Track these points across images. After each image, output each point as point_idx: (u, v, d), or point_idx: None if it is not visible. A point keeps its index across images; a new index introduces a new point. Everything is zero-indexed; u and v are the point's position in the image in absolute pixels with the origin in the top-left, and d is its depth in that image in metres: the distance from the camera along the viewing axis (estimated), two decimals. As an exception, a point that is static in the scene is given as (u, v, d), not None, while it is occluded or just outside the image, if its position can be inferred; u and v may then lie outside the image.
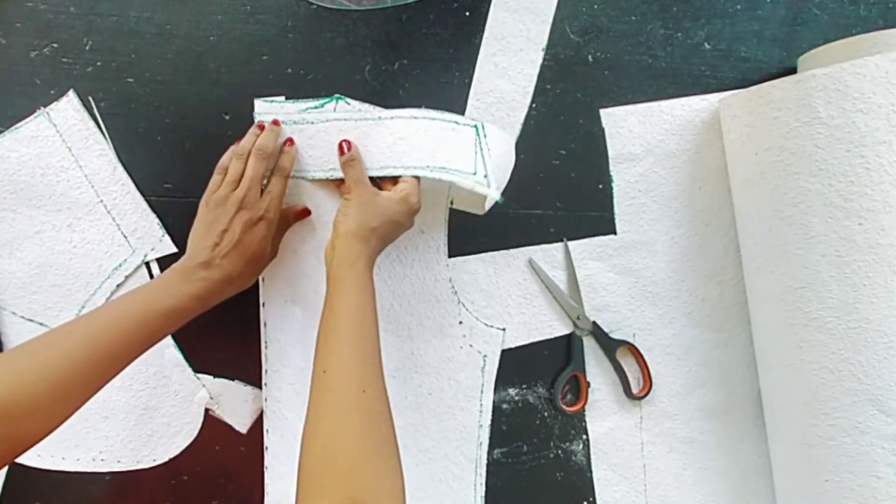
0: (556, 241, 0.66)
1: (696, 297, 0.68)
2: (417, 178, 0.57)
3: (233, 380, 0.61)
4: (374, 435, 0.44)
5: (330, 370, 0.46)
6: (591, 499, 0.67)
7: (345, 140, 0.56)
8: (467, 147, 0.57)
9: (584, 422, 0.67)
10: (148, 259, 0.60)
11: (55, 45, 0.58)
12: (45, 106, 0.58)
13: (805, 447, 0.58)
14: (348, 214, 0.53)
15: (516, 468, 0.66)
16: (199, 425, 0.61)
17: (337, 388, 0.46)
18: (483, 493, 0.65)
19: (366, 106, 0.62)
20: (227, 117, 0.60)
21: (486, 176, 0.56)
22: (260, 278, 0.59)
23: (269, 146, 0.54)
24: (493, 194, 0.55)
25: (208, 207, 0.53)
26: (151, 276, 0.60)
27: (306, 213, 0.59)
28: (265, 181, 0.54)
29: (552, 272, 0.66)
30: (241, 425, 0.62)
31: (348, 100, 0.61)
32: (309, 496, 0.41)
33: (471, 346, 0.64)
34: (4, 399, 0.40)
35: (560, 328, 0.66)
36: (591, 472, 0.67)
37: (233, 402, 0.62)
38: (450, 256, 0.64)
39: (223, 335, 0.61)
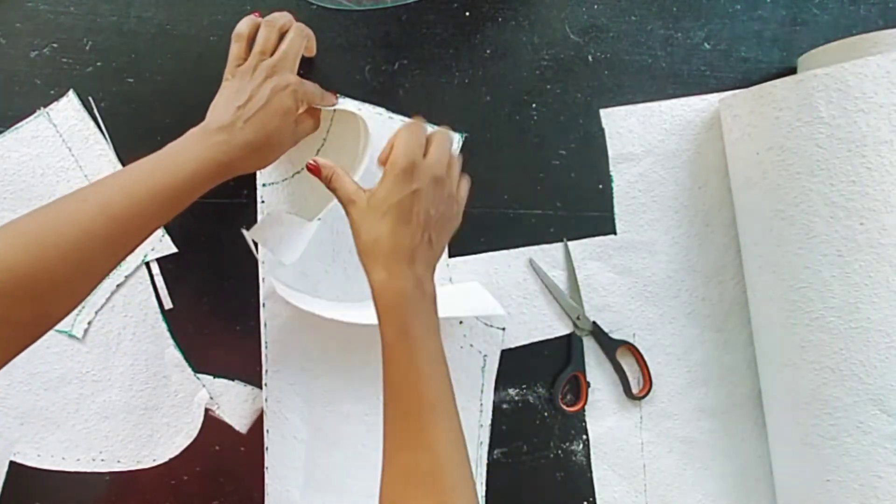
0: (556, 241, 0.66)
1: (696, 297, 0.68)
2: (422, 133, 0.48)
3: (233, 380, 0.61)
4: None
5: (388, 440, 0.42)
6: (591, 499, 0.67)
7: (311, 162, 0.49)
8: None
9: (584, 422, 0.67)
10: (148, 259, 0.60)
11: (55, 45, 0.58)
12: (45, 106, 0.58)
13: (806, 447, 0.58)
14: (366, 234, 0.45)
15: (516, 468, 0.66)
16: (199, 425, 0.61)
17: (393, 460, 0.41)
18: (483, 493, 0.65)
19: (366, 106, 0.62)
20: (227, 117, 0.60)
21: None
22: (260, 278, 0.59)
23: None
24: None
25: (234, 78, 0.50)
26: (151, 277, 0.60)
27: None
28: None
29: (552, 272, 0.66)
30: (241, 425, 0.62)
31: (348, 100, 0.61)
32: None
33: (471, 345, 0.64)
34: (24, 278, 0.38)
35: (560, 328, 0.66)
36: (591, 472, 0.67)
37: (233, 402, 0.62)
38: (450, 256, 0.64)
39: (223, 335, 0.61)
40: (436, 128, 0.53)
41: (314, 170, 0.49)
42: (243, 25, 0.53)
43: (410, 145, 0.45)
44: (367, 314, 0.55)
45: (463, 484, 0.41)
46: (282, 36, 0.53)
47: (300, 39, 0.53)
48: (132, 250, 0.44)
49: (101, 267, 0.42)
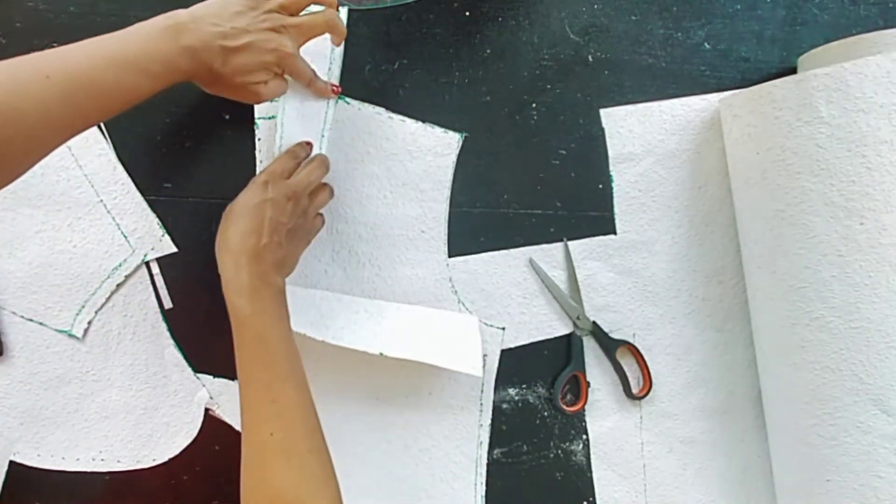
0: (556, 241, 0.66)
1: (696, 297, 0.68)
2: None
3: (233, 380, 0.61)
4: (293, 476, 0.43)
5: (242, 418, 0.45)
6: (591, 499, 0.67)
7: None
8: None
9: (584, 422, 0.67)
10: (148, 259, 0.60)
11: (55, 45, 0.58)
12: (45, 106, 0.58)
13: (806, 447, 0.58)
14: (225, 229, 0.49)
15: (516, 468, 0.66)
16: (199, 425, 0.61)
17: (248, 434, 0.45)
18: (483, 493, 0.65)
19: (366, 106, 0.62)
20: (227, 117, 0.60)
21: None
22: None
23: None
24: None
25: (248, 4, 0.47)
26: (151, 277, 0.60)
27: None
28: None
29: (552, 272, 0.66)
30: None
31: (348, 100, 0.61)
32: None
33: (471, 345, 0.64)
34: None
35: (560, 328, 0.66)
36: (591, 472, 0.67)
37: (233, 402, 0.62)
38: (450, 256, 0.64)
39: (223, 335, 0.61)
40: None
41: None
42: None
43: (279, 162, 0.52)
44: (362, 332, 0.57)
45: (317, 449, 0.44)
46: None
47: (323, 22, 0.51)
48: (88, 128, 0.44)
49: (52, 145, 0.42)
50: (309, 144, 0.56)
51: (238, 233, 0.48)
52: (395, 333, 0.60)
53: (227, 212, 0.50)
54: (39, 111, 0.39)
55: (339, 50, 0.60)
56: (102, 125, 0.59)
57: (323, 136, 0.59)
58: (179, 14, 0.44)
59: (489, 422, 0.65)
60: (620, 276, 0.67)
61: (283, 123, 0.56)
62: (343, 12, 0.58)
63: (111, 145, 0.59)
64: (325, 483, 0.44)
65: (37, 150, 0.41)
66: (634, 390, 0.67)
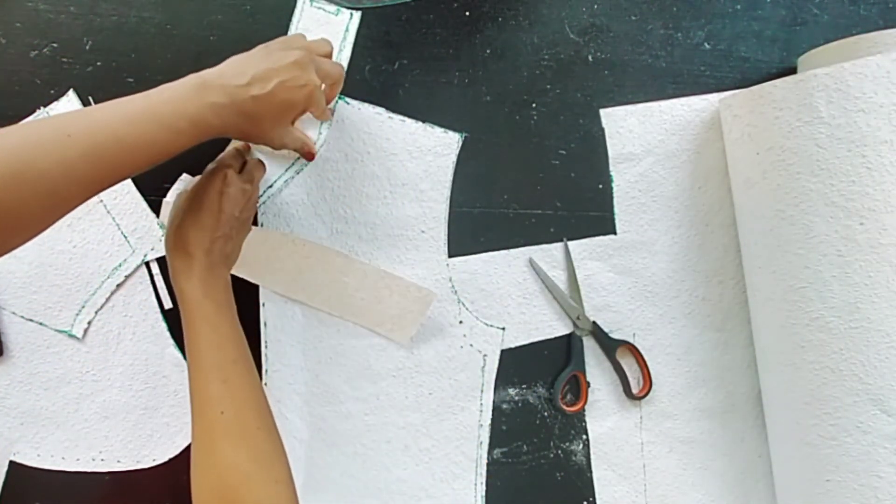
0: (556, 241, 0.66)
1: (696, 297, 0.68)
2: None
3: (233, 380, 0.61)
4: (242, 455, 0.43)
5: (193, 400, 0.46)
6: (591, 499, 0.67)
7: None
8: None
9: (584, 422, 0.67)
10: (148, 259, 0.60)
11: (55, 45, 0.58)
12: (45, 106, 0.58)
13: (806, 447, 0.58)
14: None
15: (516, 468, 0.66)
16: (199, 425, 0.61)
17: (198, 415, 0.45)
18: (483, 493, 0.65)
19: (366, 106, 0.62)
20: (227, 117, 0.60)
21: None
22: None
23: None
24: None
25: (266, 47, 0.48)
26: (151, 277, 0.60)
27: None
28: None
29: (552, 272, 0.66)
30: (241, 425, 0.62)
31: (348, 100, 0.61)
32: None
33: (471, 345, 0.64)
34: None
35: (560, 328, 0.66)
36: (591, 472, 0.67)
37: (233, 402, 0.62)
38: (450, 256, 0.64)
39: (223, 335, 0.61)
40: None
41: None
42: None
43: (230, 153, 0.53)
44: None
45: (266, 427, 0.45)
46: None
47: (338, 73, 0.53)
48: (109, 187, 0.43)
49: (75, 203, 0.41)
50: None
51: (193, 225, 0.48)
52: (342, 289, 0.61)
53: (180, 200, 0.50)
54: (61, 170, 0.39)
55: (346, 53, 0.60)
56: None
57: (321, 133, 0.59)
58: (207, 73, 0.45)
59: (489, 422, 0.65)
60: (620, 276, 0.67)
61: None
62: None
63: (111, 145, 0.59)
64: (276, 460, 0.44)
65: (59, 208, 0.40)
66: (634, 390, 0.67)
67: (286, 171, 0.60)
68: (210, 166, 0.52)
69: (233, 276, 0.60)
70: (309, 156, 0.54)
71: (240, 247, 0.53)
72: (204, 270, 0.48)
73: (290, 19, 0.60)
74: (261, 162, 0.56)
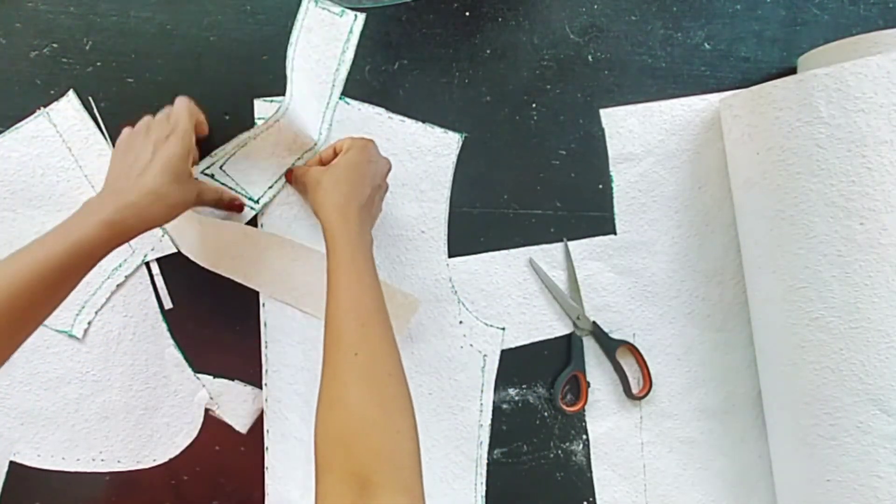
0: (556, 241, 0.66)
1: (696, 297, 0.68)
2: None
3: (233, 380, 0.61)
4: (370, 399, 0.44)
5: (328, 340, 0.47)
6: (591, 499, 0.67)
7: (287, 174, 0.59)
8: None
9: (584, 422, 0.67)
10: (148, 259, 0.60)
11: (55, 45, 0.58)
12: (45, 106, 0.58)
13: (806, 447, 0.58)
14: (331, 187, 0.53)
15: (516, 468, 0.66)
16: (199, 425, 0.61)
17: (332, 355, 0.46)
18: (483, 493, 0.65)
19: (366, 106, 0.62)
20: (227, 117, 0.60)
21: None
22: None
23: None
24: None
25: (119, 146, 0.51)
26: (151, 277, 0.60)
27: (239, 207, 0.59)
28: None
29: (552, 272, 0.66)
30: (241, 425, 0.62)
31: (348, 100, 0.61)
32: (319, 473, 0.42)
33: (471, 345, 0.64)
34: None
35: (560, 328, 0.66)
36: (591, 472, 0.67)
37: (233, 402, 0.62)
38: (450, 256, 0.64)
39: (223, 335, 0.61)
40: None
41: (289, 178, 0.60)
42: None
43: (364, 138, 0.57)
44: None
45: (397, 375, 0.46)
46: None
47: (185, 108, 0.52)
48: (42, 321, 0.46)
49: (6, 344, 0.44)
50: None
51: (349, 184, 0.53)
52: (275, 268, 0.60)
53: (330, 167, 0.54)
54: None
55: (350, 55, 0.61)
56: (102, 125, 0.59)
57: (320, 134, 0.59)
58: (90, 202, 0.48)
59: (489, 422, 0.65)
60: (620, 276, 0.67)
61: (282, 125, 0.57)
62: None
63: (111, 145, 0.59)
64: (402, 409, 0.45)
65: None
66: (634, 390, 0.67)
67: (286, 171, 0.60)
68: (359, 142, 0.56)
69: (232, 278, 0.61)
70: (238, 207, 0.59)
71: (380, 206, 0.58)
72: (358, 225, 0.51)
73: (291, 20, 0.60)
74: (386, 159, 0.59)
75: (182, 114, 0.51)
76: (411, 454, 0.43)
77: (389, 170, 0.58)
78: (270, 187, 0.60)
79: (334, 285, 0.49)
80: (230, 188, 0.59)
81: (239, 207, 0.59)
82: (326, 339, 0.47)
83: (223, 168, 0.59)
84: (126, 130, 0.53)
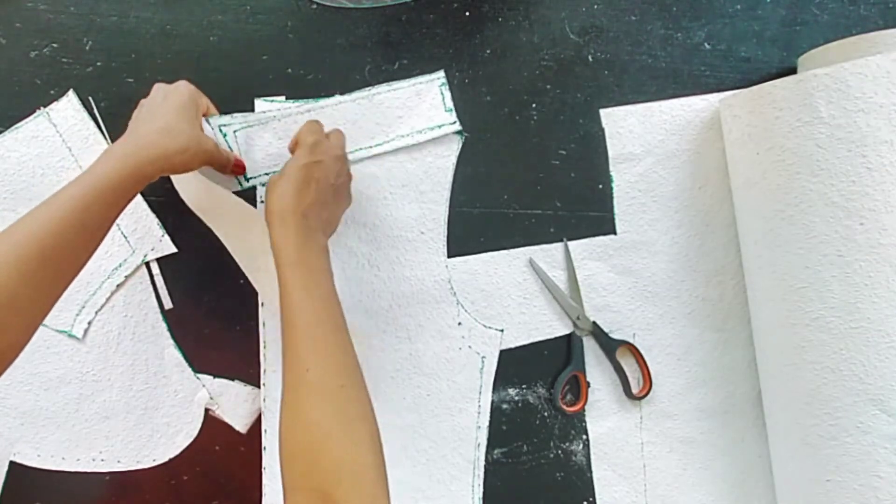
0: (556, 241, 0.66)
1: (696, 297, 0.68)
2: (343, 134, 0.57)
3: (233, 380, 0.61)
4: (324, 413, 0.44)
5: (283, 358, 0.47)
6: (591, 499, 0.67)
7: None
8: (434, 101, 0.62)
9: (584, 422, 0.67)
10: (148, 259, 0.60)
11: (55, 45, 0.58)
12: (45, 106, 0.58)
13: (806, 447, 0.58)
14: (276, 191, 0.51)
15: (516, 468, 0.66)
16: (199, 425, 0.61)
17: (287, 372, 0.46)
18: (481, 495, 0.65)
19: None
20: (227, 117, 0.60)
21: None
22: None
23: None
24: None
25: (139, 107, 0.53)
26: (151, 277, 0.60)
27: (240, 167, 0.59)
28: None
29: (552, 272, 0.66)
30: (241, 425, 0.62)
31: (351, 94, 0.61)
32: (285, 493, 0.42)
33: (469, 347, 0.64)
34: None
35: (560, 328, 0.66)
36: (591, 472, 0.67)
37: (233, 402, 0.62)
38: (449, 256, 0.64)
39: (223, 335, 0.61)
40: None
41: (239, 167, 0.58)
42: None
43: (314, 129, 0.54)
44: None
45: (352, 386, 0.46)
46: None
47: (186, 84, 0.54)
48: (76, 273, 0.46)
49: (38, 303, 0.44)
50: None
51: (285, 193, 0.50)
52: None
53: (273, 179, 0.52)
54: (14, 274, 0.42)
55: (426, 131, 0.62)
56: (102, 125, 0.59)
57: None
58: (111, 147, 0.48)
59: (487, 423, 0.65)
60: (620, 276, 0.67)
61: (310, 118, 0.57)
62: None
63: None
64: (359, 420, 0.45)
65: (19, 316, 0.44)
66: (634, 390, 0.67)
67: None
68: (307, 138, 0.53)
69: (232, 278, 0.61)
70: (240, 169, 0.58)
71: (338, 218, 0.55)
72: (300, 235, 0.49)
73: (291, 20, 0.60)
74: (340, 132, 0.57)
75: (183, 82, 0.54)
76: (373, 466, 0.43)
77: (344, 161, 0.55)
78: (267, 174, 0.60)
79: (283, 300, 0.48)
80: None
81: (241, 169, 0.58)
82: (283, 355, 0.47)
83: (236, 133, 0.59)
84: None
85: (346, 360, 0.47)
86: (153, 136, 0.48)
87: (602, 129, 0.66)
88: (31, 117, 0.58)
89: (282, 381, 0.46)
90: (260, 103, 0.60)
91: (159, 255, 0.60)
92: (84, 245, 0.46)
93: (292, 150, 0.55)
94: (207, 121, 0.57)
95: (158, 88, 0.53)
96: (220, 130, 0.58)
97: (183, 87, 0.53)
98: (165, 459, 0.61)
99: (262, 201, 0.60)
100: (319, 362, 0.45)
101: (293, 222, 0.49)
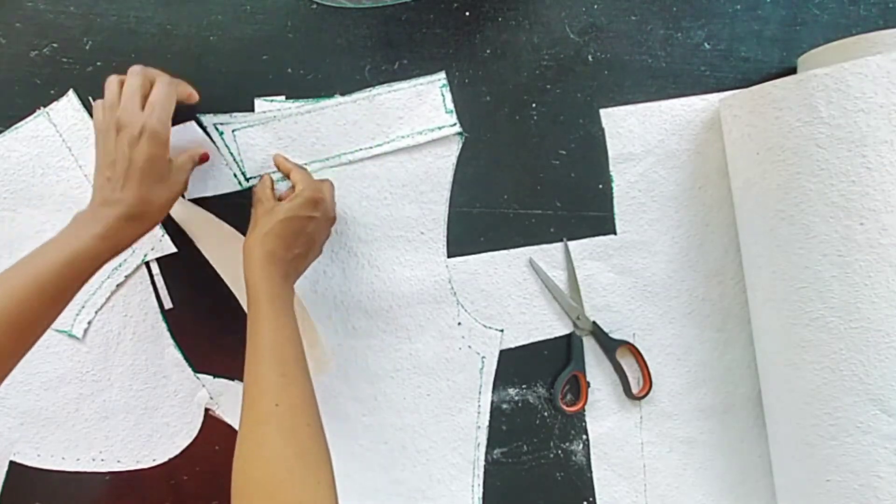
0: (556, 241, 0.66)
1: (696, 297, 0.68)
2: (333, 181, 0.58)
3: (233, 380, 0.61)
4: (290, 450, 0.43)
5: (248, 391, 0.47)
6: (591, 499, 0.67)
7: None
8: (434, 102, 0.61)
9: (584, 422, 0.67)
10: (148, 259, 0.60)
11: (55, 45, 0.58)
12: (45, 106, 0.58)
13: (806, 447, 0.58)
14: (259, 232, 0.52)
15: (516, 468, 0.66)
16: (199, 425, 0.61)
17: (252, 405, 0.46)
18: (480, 495, 0.65)
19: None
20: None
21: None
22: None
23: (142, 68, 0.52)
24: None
25: (97, 139, 0.50)
26: (151, 277, 0.60)
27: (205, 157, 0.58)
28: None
29: (552, 272, 0.66)
30: (241, 425, 0.62)
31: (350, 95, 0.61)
32: None
33: (469, 347, 0.64)
34: None
35: (560, 328, 0.66)
36: (591, 472, 0.67)
37: (233, 402, 0.62)
38: (449, 257, 0.64)
39: (223, 335, 0.61)
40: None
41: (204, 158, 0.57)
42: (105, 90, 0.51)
43: (323, 188, 0.56)
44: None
45: (316, 426, 0.46)
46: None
47: (134, 78, 0.50)
48: (41, 333, 0.48)
49: (10, 353, 0.45)
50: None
51: (279, 238, 0.51)
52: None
53: (270, 211, 0.53)
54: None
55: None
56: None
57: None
58: (83, 217, 0.49)
59: (487, 424, 0.65)
60: (620, 276, 0.67)
61: (313, 119, 0.57)
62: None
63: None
64: (321, 461, 0.45)
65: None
66: (634, 390, 0.67)
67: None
68: (313, 194, 0.55)
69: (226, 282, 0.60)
70: (204, 157, 0.57)
71: (308, 264, 0.57)
72: (281, 278, 0.51)
73: (291, 20, 0.60)
74: (333, 189, 0.58)
75: (158, 108, 0.49)
76: None
77: (333, 222, 0.58)
78: (267, 174, 0.60)
79: (255, 335, 0.48)
80: (229, 154, 0.59)
81: (204, 158, 0.57)
82: (245, 388, 0.47)
83: (235, 133, 0.59)
84: (97, 109, 0.51)
85: (312, 400, 0.47)
86: (130, 210, 0.48)
87: (602, 129, 0.66)
88: (31, 117, 0.58)
89: (242, 413, 0.46)
90: (260, 103, 0.60)
91: (159, 255, 0.60)
92: (50, 314, 0.47)
93: (286, 174, 0.58)
94: (202, 120, 0.57)
95: (116, 127, 0.49)
96: (217, 129, 0.58)
97: (146, 139, 0.48)
98: (165, 459, 0.61)
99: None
100: (290, 399, 0.46)
101: (277, 269, 0.51)
